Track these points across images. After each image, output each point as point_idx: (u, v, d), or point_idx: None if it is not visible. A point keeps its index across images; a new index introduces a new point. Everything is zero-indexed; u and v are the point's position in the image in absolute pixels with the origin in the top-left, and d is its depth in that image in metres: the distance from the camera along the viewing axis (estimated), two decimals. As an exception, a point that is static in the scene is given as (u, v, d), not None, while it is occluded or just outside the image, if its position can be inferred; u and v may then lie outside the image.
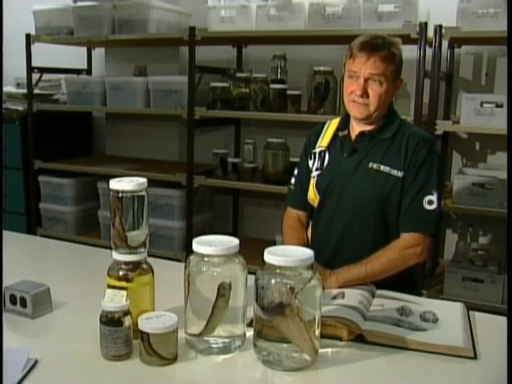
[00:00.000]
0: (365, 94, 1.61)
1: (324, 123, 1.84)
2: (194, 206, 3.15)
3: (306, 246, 1.77)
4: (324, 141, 1.78)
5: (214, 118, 3.18)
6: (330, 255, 1.71)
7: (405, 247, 1.61)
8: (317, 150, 1.78)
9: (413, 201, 1.62)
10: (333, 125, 1.80)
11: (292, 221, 1.85)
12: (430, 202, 1.61)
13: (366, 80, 1.60)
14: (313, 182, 1.76)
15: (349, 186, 1.69)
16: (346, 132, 1.74)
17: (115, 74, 3.57)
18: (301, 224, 1.84)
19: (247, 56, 3.34)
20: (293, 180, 1.88)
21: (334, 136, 1.77)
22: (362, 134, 1.70)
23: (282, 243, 1.87)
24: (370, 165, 1.66)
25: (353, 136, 1.72)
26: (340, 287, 1.49)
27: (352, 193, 1.68)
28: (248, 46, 3.31)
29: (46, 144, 3.56)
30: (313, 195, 1.76)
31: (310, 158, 1.79)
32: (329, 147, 1.76)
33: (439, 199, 1.63)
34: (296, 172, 1.87)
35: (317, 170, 1.76)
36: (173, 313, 1.18)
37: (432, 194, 1.61)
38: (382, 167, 1.65)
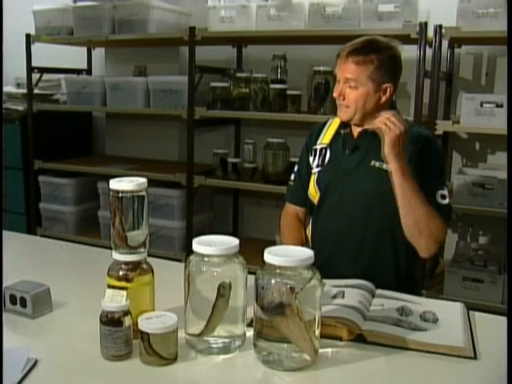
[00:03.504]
0: (342, 96, 1.66)
1: (326, 121, 1.85)
2: (194, 206, 3.15)
3: (304, 244, 1.77)
4: (325, 138, 1.79)
5: (214, 118, 3.18)
6: (330, 251, 1.70)
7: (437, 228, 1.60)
8: (318, 147, 1.79)
9: (427, 198, 1.60)
10: (335, 123, 1.81)
11: (290, 218, 1.85)
12: (443, 197, 1.63)
13: (345, 83, 1.65)
14: (313, 178, 1.77)
15: (350, 183, 1.69)
16: (348, 129, 1.75)
17: (115, 74, 3.57)
18: (299, 222, 1.84)
19: (247, 56, 3.34)
20: (292, 176, 1.88)
21: (336, 133, 1.78)
22: (364, 132, 1.70)
23: (280, 241, 1.86)
24: (372, 163, 1.67)
25: (355, 133, 1.73)
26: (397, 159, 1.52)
27: (353, 190, 1.69)
28: (248, 46, 3.31)
29: (46, 144, 3.56)
30: (313, 191, 1.77)
31: (311, 155, 1.80)
32: (330, 144, 1.77)
33: (449, 193, 1.66)
34: (296, 168, 1.88)
35: (318, 166, 1.77)
36: (173, 313, 1.18)
37: (443, 189, 1.63)
38: (384, 165, 1.64)
